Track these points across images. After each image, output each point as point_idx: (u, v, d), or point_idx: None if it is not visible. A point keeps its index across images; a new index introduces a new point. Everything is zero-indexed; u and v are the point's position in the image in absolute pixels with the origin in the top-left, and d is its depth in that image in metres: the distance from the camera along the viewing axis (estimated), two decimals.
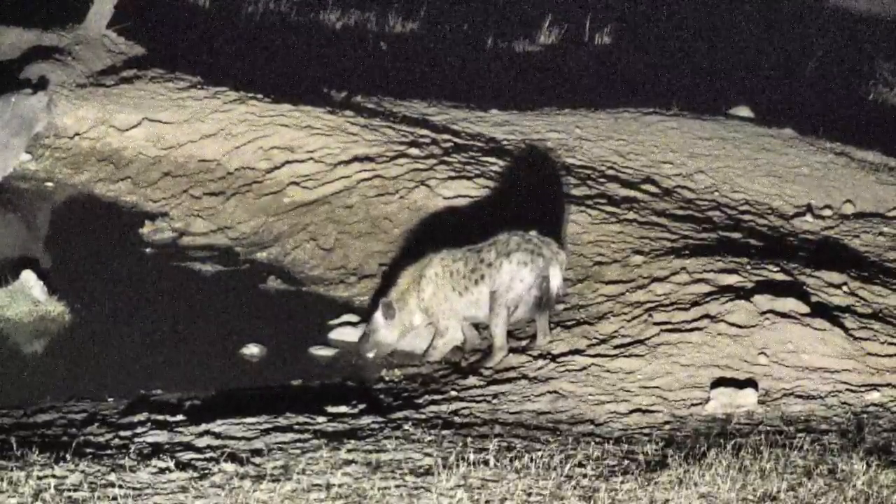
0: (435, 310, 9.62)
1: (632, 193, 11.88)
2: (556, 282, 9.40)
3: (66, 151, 13.43)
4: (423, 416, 8.51)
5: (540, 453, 7.57)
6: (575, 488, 7.18)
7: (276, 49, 17.29)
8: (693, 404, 8.57)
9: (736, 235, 11.05)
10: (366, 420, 8.36)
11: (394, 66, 17.16)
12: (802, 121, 14.72)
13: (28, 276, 10.16)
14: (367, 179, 11.98)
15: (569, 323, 9.74)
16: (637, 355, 9.07)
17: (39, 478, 7.01)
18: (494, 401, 8.78)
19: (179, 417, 8.24)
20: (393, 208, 11.61)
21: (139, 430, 8.05)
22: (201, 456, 7.55)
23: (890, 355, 9.01)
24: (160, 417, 8.23)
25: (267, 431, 8.03)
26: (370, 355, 9.72)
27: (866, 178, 12.59)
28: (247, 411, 8.35)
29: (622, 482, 7.25)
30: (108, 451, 7.65)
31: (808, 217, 11.74)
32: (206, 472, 7.25)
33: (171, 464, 7.32)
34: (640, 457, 7.67)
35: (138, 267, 11.30)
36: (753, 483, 7.26)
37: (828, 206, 11.96)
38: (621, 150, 12.94)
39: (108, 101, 13.75)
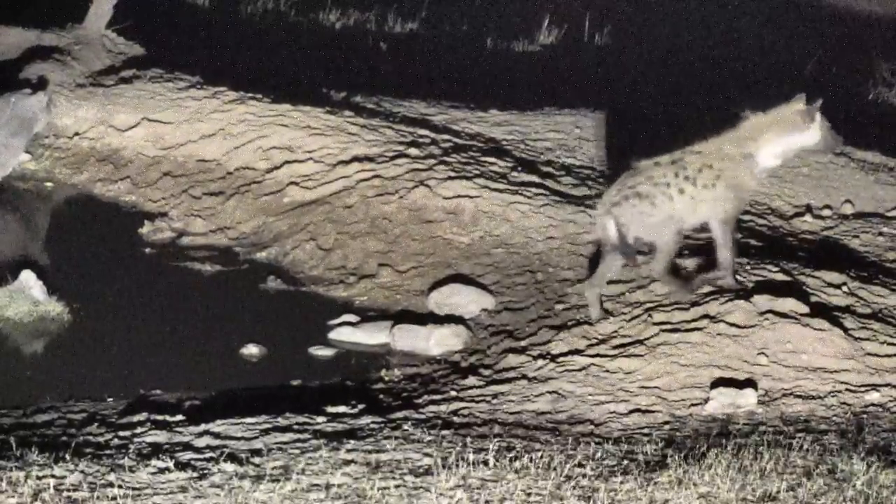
0: None
1: None
2: (609, 233, 9.39)
3: (65, 151, 13.43)
4: (423, 416, 8.51)
5: (539, 453, 7.57)
6: (574, 488, 7.18)
7: (276, 49, 17.28)
8: (693, 404, 8.57)
9: (735, 235, 11.03)
10: (365, 420, 8.36)
11: (394, 66, 17.15)
12: None
13: (28, 276, 10.17)
14: (367, 179, 11.98)
15: (569, 323, 9.74)
16: (637, 355, 9.07)
17: (39, 478, 7.01)
18: (494, 401, 8.78)
19: (179, 417, 8.24)
20: (392, 208, 11.62)
21: (139, 430, 8.06)
22: (201, 456, 7.55)
23: (890, 355, 9.01)
24: (160, 417, 8.23)
25: (266, 431, 8.04)
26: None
27: (866, 178, 12.58)
28: (246, 411, 8.35)
29: (622, 482, 7.25)
30: (108, 451, 7.65)
31: (808, 217, 11.73)
32: (206, 472, 7.25)
33: (171, 464, 7.32)
34: (640, 457, 7.67)
35: (138, 267, 11.30)
36: (753, 483, 7.27)
37: (827, 206, 11.96)
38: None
39: (108, 101, 13.75)
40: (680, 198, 9.37)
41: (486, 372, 9.31)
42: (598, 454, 7.68)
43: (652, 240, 9.47)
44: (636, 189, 9.36)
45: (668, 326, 9.26)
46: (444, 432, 8.09)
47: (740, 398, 8.51)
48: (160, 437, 7.93)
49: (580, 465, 7.50)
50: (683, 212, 9.41)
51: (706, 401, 8.55)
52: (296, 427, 8.14)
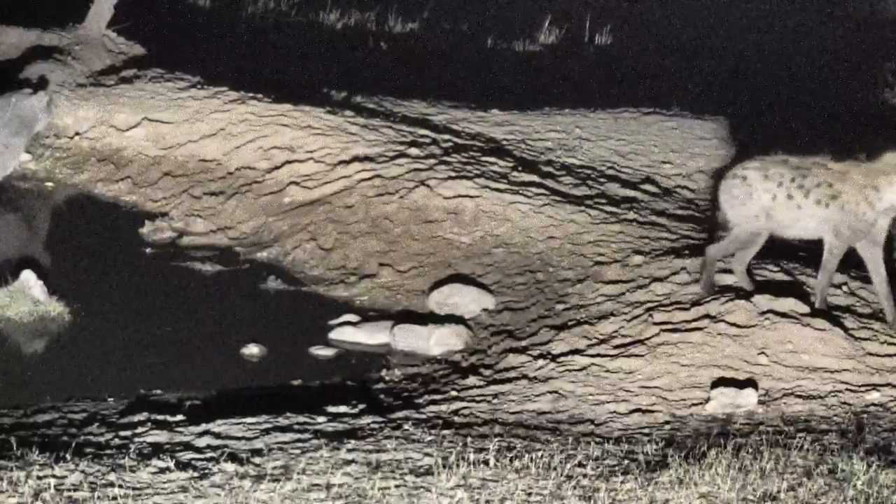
0: None
1: (632, 193, 11.89)
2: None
3: (66, 151, 13.43)
4: (423, 416, 8.51)
5: (540, 453, 7.58)
6: (575, 488, 7.19)
7: (276, 49, 17.28)
8: (693, 404, 8.57)
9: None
10: (366, 420, 8.36)
11: (394, 66, 17.15)
12: (802, 120, 14.72)
13: (28, 276, 10.17)
14: (367, 179, 11.99)
15: (569, 323, 9.75)
16: (637, 355, 9.07)
17: (39, 478, 7.01)
18: (494, 401, 8.78)
19: (179, 417, 8.24)
20: (393, 208, 11.62)
21: (139, 430, 8.06)
22: (201, 456, 7.55)
23: (890, 355, 9.01)
24: (160, 417, 8.24)
25: (267, 431, 8.04)
26: None
27: None
28: (247, 411, 8.35)
29: (622, 482, 7.26)
30: (108, 451, 7.66)
31: None
32: (206, 471, 7.25)
33: (171, 464, 7.33)
34: (641, 457, 7.67)
35: (138, 267, 11.30)
36: (753, 483, 7.27)
37: None
38: (621, 150, 12.94)
39: (108, 101, 13.75)
40: (785, 202, 9.30)
41: (487, 372, 9.31)
42: (599, 454, 7.69)
43: (730, 225, 9.50)
44: (745, 173, 9.41)
45: (669, 326, 9.26)
46: (445, 432, 8.09)
47: (741, 398, 8.51)
48: (161, 436, 7.93)
49: (581, 464, 7.50)
50: (782, 217, 9.35)
51: (707, 401, 8.55)
52: (296, 427, 8.14)
